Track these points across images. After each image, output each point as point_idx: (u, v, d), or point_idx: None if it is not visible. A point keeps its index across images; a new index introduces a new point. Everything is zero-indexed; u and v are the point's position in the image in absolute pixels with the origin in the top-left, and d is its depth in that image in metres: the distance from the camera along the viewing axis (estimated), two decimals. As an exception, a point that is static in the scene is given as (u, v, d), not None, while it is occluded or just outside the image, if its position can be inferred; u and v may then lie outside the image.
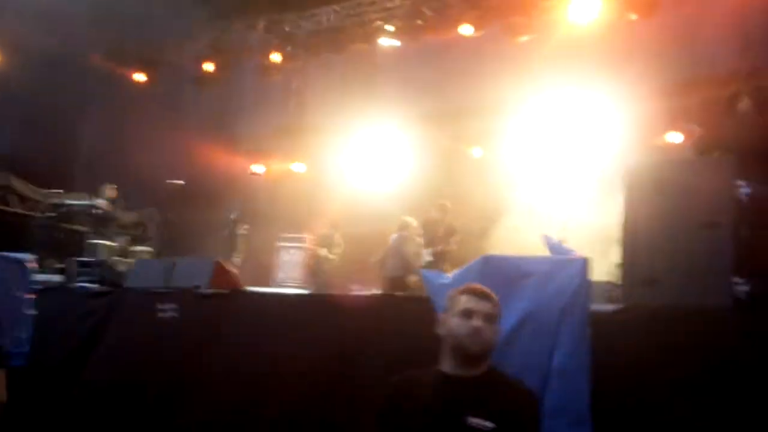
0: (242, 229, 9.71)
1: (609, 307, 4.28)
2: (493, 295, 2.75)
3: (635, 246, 4.70)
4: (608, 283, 5.43)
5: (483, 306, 2.68)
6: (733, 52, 9.84)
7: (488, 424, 2.48)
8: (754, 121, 5.32)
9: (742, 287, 4.12)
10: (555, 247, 3.47)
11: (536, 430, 2.58)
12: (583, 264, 3.19)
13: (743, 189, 4.39)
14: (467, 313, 2.66)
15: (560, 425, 3.05)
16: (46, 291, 6.19)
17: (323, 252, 11.02)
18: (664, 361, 3.80)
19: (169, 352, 5.41)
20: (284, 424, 4.74)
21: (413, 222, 9.82)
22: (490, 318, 2.67)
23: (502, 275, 3.25)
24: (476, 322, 2.63)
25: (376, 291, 8.64)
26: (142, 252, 8.92)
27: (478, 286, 2.80)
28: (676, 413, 3.59)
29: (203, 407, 5.10)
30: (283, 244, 10.21)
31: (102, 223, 9.23)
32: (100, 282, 7.19)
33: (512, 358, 3.11)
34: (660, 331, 3.91)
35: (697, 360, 3.65)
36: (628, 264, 4.74)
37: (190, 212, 10.75)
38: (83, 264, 7.59)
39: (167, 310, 5.65)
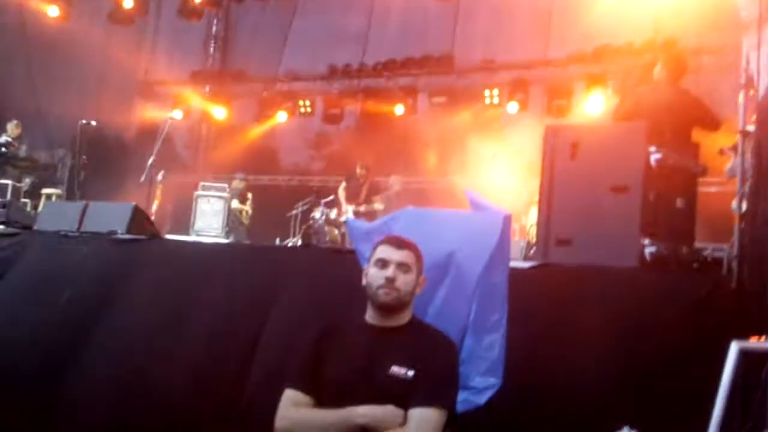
0: (159, 176, 9.46)
1: (525, 264, 4.44)
2: (412, 244, 2.74)
3: (551, 206, 4.87)
4: (525, 241, 5.60)
5: (398, 255, 2.66)
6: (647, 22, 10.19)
7: (409, 372, 2.54)
8: (668, 90, 5.54)
9: (648, 248, 4.35)
10: (477, 202, 3.52)
11: (454, 377, 2.66)
12: (505, 218, 3.25)
13: (654, 155, 4.58)
14: (382, 263, 2.65)
15: (473, 374, 3.15)
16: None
17: (235, 204, 10.93)
18: (575, 317, 3.99)
19: (77, 299, 5.23)
20: (194, 374, 4.70)
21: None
22: (405, 267, 2.64)
23: (424, 227, 3.26)
24: (389, 272, 2.62)
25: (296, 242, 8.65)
26: (52, 194, 8.57)
27: (396, 235, 2.79)
28: (585, 368, 3.78)
29: (112, 353, 4.97)
30: (202, 192, 10.01)
31: (8, 162, 8.80)
32: (7, 223, 6.89)
33: (433, 309, 3.19)
34: (572, 289, 4.09)
35: (605, 316, 3.84)
36: (543, 224, 4.91)
37: (104, 156, 10.38)
38: (-12, 204, 7.25)
39: (79, 255, 5.47)
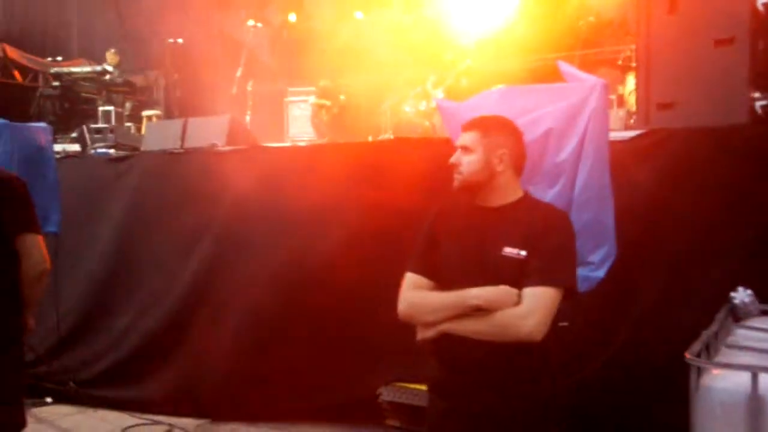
0: (249, 85, 9.59)
1: (627, 134, 4.30)
2: (479, 122, 2.68)
3: (648, 68, 4.64)
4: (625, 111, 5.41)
5: (461, 138, 2.66)
6: None
7: (522, 252, 2.46)
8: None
9: (759, 102, 4.11)
10: (571, 74, 3.39)
11: (569, 253, 2.55)
12: (602, 87, 3.14)
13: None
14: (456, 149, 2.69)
15: (587, 249, 3.13)
16: (66, 159, 6.31)
17: (325, 103, 10.93)
18: (683, 183, 3.87)
19: (191, 213, 5.52)
20: (312, 273, 4.95)
21: None
22: (466, 150, 2.62)
23: (518, 105, 3.20)
24: (453, 157, 2.64)
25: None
26: (152, 115, 8.88)
27: (474, 117, 2.73)
28: (697, 235, 3.69)
29: (228, 267, 5.31)
30: (292, 98, 10.09)
31: (108, 89, 9.15)
32: (115, 147, 7.24)
33: (536, 186, 3.17)
34: (679, 154, 3.95)
35: (717, 180, 3.71)
36: (642, 88, 4.69)
37: (194, 72, 10.58)
38: (96, 131, 7.60)
39: (185, 170, 5.72)
